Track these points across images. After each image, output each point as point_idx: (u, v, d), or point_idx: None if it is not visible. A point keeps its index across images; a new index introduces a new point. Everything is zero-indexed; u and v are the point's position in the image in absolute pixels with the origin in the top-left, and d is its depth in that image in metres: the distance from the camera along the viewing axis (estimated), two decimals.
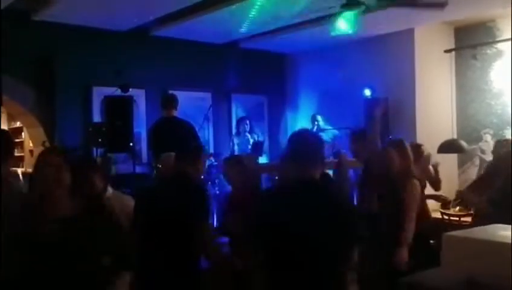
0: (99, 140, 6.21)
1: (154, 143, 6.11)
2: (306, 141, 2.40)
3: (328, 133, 8.20)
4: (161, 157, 4.32)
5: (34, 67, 6.85)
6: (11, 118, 9.54)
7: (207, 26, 7.31)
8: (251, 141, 8.05)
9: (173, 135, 5.72)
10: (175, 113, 6.13)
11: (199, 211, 2.67)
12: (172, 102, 6.13)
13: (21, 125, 8.72)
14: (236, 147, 7.97)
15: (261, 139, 8.50)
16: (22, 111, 7.11)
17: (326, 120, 8.40)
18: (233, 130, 8.58)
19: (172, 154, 3.94)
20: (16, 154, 8.04)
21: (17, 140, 8.68)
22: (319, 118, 8.28)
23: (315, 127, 8.21)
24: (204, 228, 2.68)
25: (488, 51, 7.69)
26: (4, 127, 9.42)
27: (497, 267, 2.27)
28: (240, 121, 8.33)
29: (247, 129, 8.16)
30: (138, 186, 5.64)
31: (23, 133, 9.28)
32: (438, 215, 5.89)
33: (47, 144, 6.65)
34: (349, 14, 5.60)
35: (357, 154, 4.35)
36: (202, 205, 2.72)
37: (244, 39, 8.39)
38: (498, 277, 2.22)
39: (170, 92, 6.85)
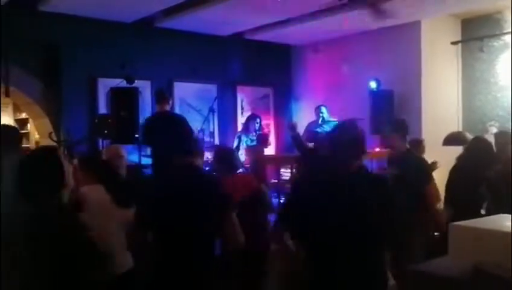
0: (105, 131, 6.25)
1: (147, 138, 6.08)
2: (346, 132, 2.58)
3: (332, 125, 8.13)
4: (106, 147, 4.37)
5: (40, 58, 6.86)
6: (17, 109, 9.56)
7: (212, 18, 7.29)
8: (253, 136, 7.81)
9: (165, 129, 5.69)
10: (167, 107, 6.10)
11: (227, 202, 2.85)
12: (164, 97, 6.07)
13: (27, 116, 8.74)
14: (243, 145, 7.63)
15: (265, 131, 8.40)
16: (28, 102, 7.13)
17: (331, 112, 8.37)
18: (234, 125, 8.41)
19: (117, 145, 3.99)
20: (22, 145, 8.06)
21: (23, 131, 8.70)
22: (323, 109, 8.21)
23: (320, 119, 8.17)
24: (233, 216, 2.84)
25: (495, 43, 7.66)
26: (10, 118, 9.46)
27: (503, 256, 2.28)
28: (250, 119, 7.94)
29: (257, 128, 7.80)
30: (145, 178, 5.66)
31: (28, 125, 9.30)
32: None
33: (53, 136, 6.67)
34: None
35: None
36: (229, 196, 2.90)
37: (249, 31, 8.37)
38: (504, 265, 2.23)
39: (175, 83, 6.81)
